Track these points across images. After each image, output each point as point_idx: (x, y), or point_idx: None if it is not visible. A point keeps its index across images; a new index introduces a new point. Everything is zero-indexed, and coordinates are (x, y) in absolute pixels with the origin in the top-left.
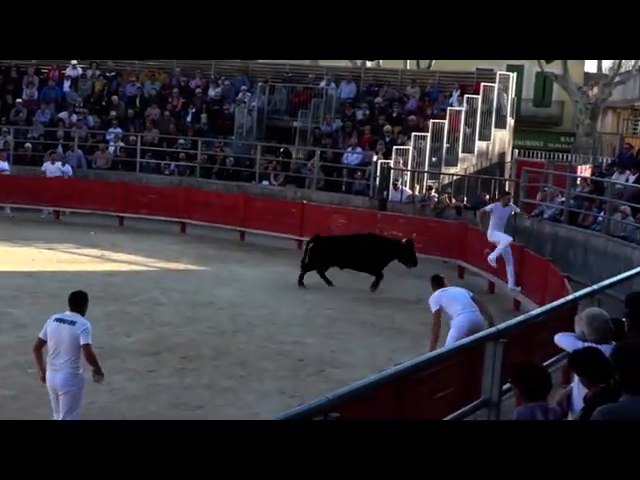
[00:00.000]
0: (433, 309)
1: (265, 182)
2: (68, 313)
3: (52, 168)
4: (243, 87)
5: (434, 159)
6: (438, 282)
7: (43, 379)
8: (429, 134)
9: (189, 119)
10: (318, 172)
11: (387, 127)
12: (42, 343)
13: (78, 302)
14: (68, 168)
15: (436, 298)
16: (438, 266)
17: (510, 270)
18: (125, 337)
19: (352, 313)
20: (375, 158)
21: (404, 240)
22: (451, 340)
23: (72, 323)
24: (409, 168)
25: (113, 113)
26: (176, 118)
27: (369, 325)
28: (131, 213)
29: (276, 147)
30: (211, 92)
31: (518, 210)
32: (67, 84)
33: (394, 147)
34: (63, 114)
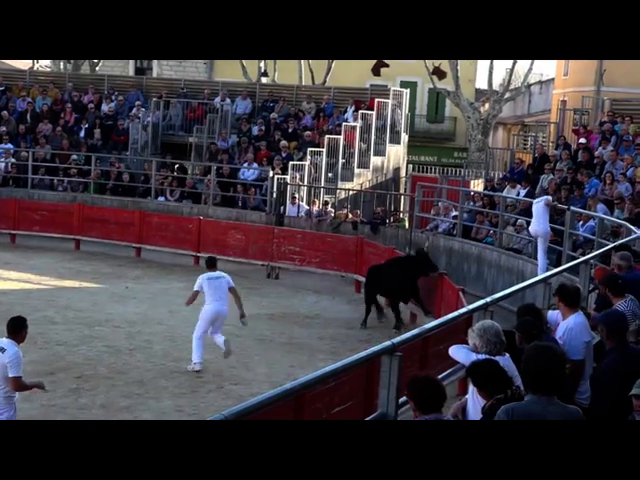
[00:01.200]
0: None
1: (161, 198)
2: (3, 339)
3: None
4: (137, 102)
5: (330, 174)
6: (211, 264)
7: None
8: (325, 149)
9: (82, 134)
10: (214, 188)
11: (283, 143)
12: None
13: (14, 328)
14: None
15: (200, 280)
16: (336, 280)
17: None
18: None
19: (250, 329)
20: (272, 173)
21: (416, 252)
22: (198, 328)
23: (2, 350)
24: (306, 183)
25: (3, 128)
26: (69, 134)
27: (267, 341)
28: (23, 230)
29: (172, 163)
30: (104, 107)
31: None
32: None
33: (290, 162)
34: None
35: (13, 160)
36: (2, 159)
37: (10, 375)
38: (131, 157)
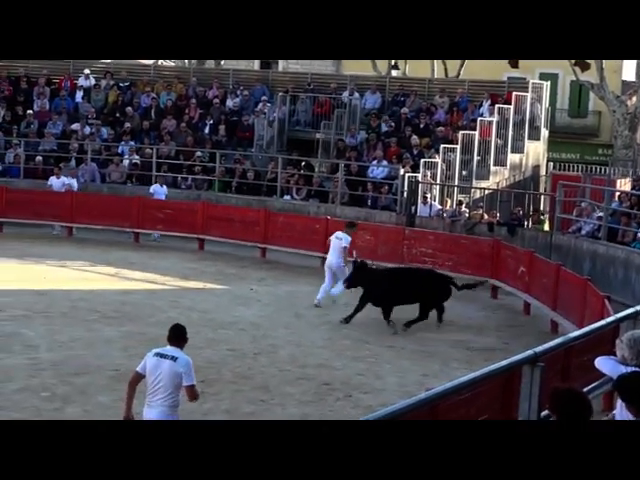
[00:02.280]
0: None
1: (287, 197)
2: (169, 348)
3: (57, 183)
4: (263, 97)
5: (464, 172)
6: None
7: (127, 416)
8: (459, 146)
9: (207, 131)
10: (342, 186)
11: (414, 139)
12: (140, 378)
13: (178, 336)
14: (73, 182)
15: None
16: None
17: None
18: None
19: (379, 335)
20: (402, 172)
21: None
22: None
23: (173, 359)
24: (438, 182)
25: (127, 125)
26: (193, 130)
27: (398, 348)
28: (147, 229)
29: (298, 160)
30: (229, 103)
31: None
32: (79, 95)
33: (422, 160)
34: (75, 126)
35: (137, 157)
36: (126, 156)
37: (185, 384)
38: (256, 154)
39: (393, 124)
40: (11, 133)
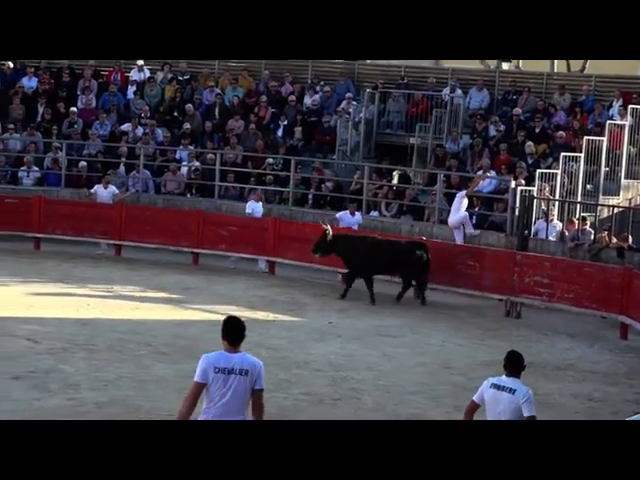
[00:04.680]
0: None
1: (374, 213)
2: (504, 378)
3: (104, 193)
4: (347, 94)
5: (589, 186)
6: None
7: None
8: (583, 154)
9: (280, 133)
10: (441, 201)
11: (529, 146)
12: (476, 407)
13: (516, 365)
14: (113, 189)
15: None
16: (595, 322)
17: None
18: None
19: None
20: (514, 184)
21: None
22: None
23: (511, 391)
24: (557, 197)
25: (187, 126)
26: (264, 132)
27: None
28: (208, 249)
29: (388, 169)
30: (307, 100)
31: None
32: (131, 90)
33: (538, 171)
34: (126, 126)
35: (197, 164)
36: (185, 162)
37: (525, 414)
38: (338, 162)
39: (503, 127)
40: (51, 134)
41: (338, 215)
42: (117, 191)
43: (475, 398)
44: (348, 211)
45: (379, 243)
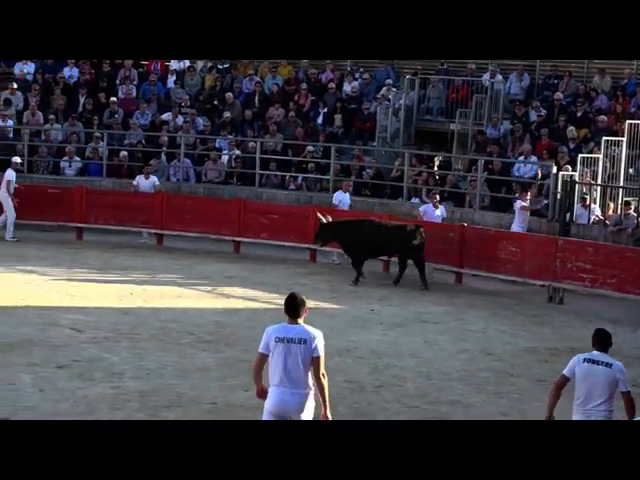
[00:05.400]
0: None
1: (415, 199)
2: (596, 353)
3: (145, 183)
4: (387, 81)
5: (631, 171)
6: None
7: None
8: (625, 138)
9: (320, 121)
10: (482, 187)
11: (570, 130)
12: (565, 382)
13: (606, 341)
14: (154, 180)
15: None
16: (637, 307)
17: None
18: (242, 391)
19: (525, 367)
20: (555, 169)
21: None
22: None
23: (608, 365)
24: (599, 182)
25: (227, 114)
26: (304, 120)
27: (549, 382)
28: (249, 237)
29: (429, 155)
30: (347, 87)
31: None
32: (171, 79)
33: (579, 155)
34: (166, 115)
35: (238, 152)
36: (225, 151)
37: (623, 389)
38: (378, 149)
39: (544, 112)
40: (92, 124)
41: (422, 209)
42: (158, 182)
43: (566, 372)
44: (431, 204)
45: (374, 226)
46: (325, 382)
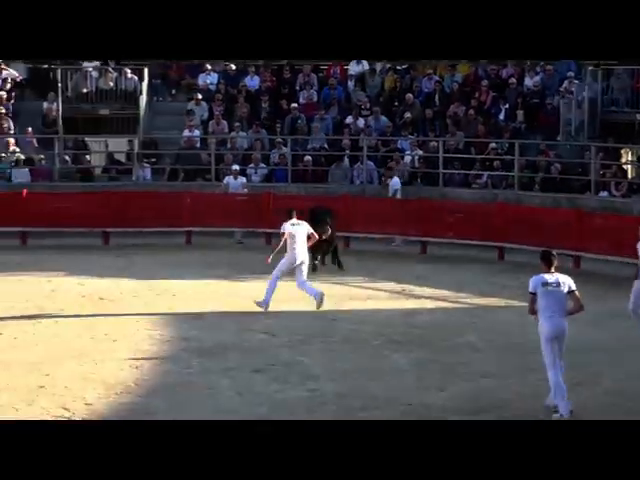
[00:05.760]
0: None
1: (604, 193)
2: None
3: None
4: (569, 73)
5: None
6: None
7: None
8: None
9: (502, 117)
10: None
11: None
12: None
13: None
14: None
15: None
16: None
17: None
18: (438, 391)
19: None
20: None
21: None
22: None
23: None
24: None
25: (407, 114)
26: (485, 117)
27: None
28: (436, 237)
29: (616, 148)
30: (528, 82)
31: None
32: (351, 82)
33: None
34: (348, 118)
35: (420, 152)
36: (408, 152)
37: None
38: (563, 143)
39: None
40: (275, 130)
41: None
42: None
43: None
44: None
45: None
46: (581, 304)
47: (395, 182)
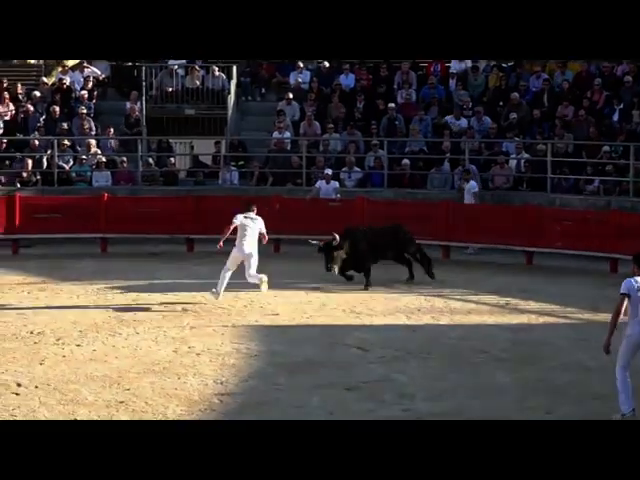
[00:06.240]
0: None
1: None
2: None
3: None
4: None
5: None
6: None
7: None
8: None
9: (616, 118)
10: None
11: None
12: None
13: None
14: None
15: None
16: None
17: None
18: (544, 414)
19: None
20: None
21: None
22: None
23: None
24: None
25: (513, 115)
26: (597, 118)
27: None
28: (543, 247)
29: None
30: None
31: None
32: (453, 81)
33: None
34: (449, 119)
35: (527, 156)
36: (512, 155)
37: None
38: None
39: None
40: (371, 132)
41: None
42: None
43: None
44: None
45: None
46: None
47: (472, 186)
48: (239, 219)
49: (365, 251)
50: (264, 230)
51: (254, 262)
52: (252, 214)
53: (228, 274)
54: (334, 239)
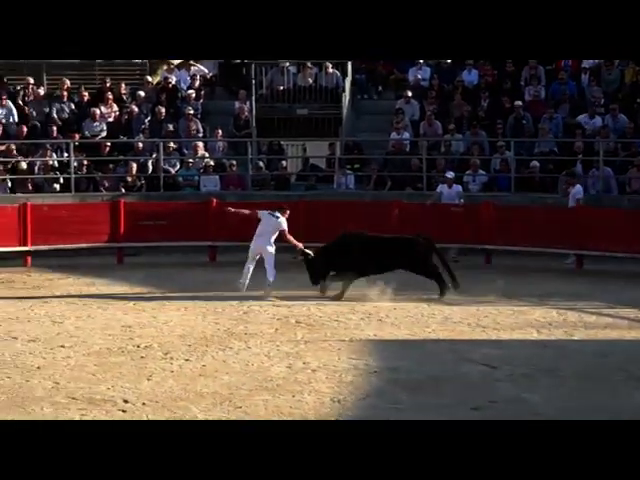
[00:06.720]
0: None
1: None
2: None
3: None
4: None
5: None
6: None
7: None
8: None
9: None
10: None
11: None
12: None
13: None
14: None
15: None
16: None
17: None
18: None
19: None
20: None
21: None
22: None
23: None
24: None
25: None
26: None
27: None
28: None
29: None
30: None
31: None
32: (585, 76)
33: None
34: (582, 117)
35: None
36: None
37: None
38: None
39: None
40: (496, 132)
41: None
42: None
43: None
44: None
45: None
46: None
47: (578, 190)
48: (262, 213)
49: (359, 258)
50: (285, 228)
51: (270, 258)
52: (277, 213)
53: (250, 266)
54: (301, 254)
